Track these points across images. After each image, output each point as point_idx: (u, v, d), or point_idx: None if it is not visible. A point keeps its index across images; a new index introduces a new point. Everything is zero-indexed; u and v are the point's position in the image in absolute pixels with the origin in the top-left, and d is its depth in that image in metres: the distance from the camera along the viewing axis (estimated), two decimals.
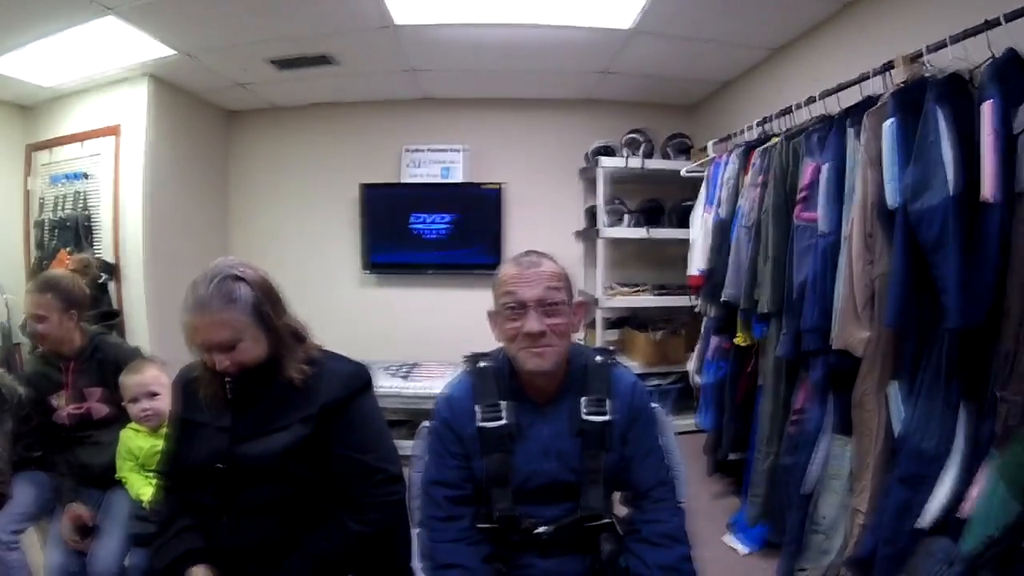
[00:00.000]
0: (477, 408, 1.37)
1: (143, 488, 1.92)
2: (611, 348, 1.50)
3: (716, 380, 3.14)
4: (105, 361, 2.15)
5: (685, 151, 4.26)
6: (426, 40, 3.55)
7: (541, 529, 1.34)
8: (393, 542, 1.49)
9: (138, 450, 1.97)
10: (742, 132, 3.16)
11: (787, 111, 2.73)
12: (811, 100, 2.53)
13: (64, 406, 2.11)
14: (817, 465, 2.21)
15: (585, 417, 1.34)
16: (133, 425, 2.01)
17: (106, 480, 2.03)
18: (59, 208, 4.19)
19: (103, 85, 4.09)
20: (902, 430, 1.85)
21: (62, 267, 3.77)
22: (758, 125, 2.99)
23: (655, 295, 4.32)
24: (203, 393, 1.44)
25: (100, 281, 3.98)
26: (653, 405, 1.48)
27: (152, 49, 3.54)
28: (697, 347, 3.44)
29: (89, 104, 4.19)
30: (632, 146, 4.23)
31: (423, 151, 4.84)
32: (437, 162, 4.83)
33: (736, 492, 3.02)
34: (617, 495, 1.48)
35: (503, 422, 1.35)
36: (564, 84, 4.43)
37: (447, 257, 4.80)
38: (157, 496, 1.60)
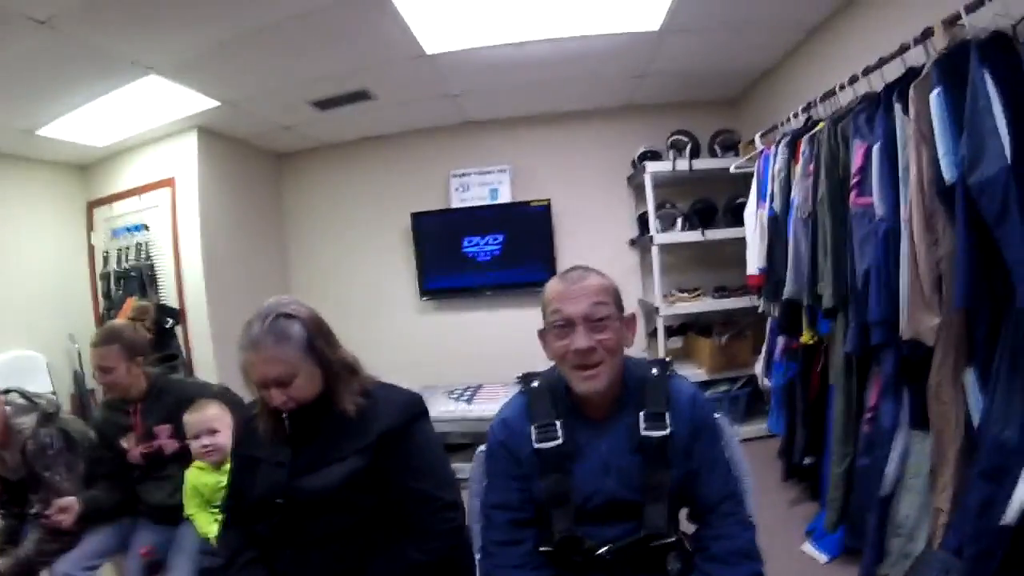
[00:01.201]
0: (532, 429, 1.35)
1: (209, 526, 1.99)
2: (668, 359, 1.45)
3: (785, 382, 3.05)
4: (172, 400, 2.24)
5: (732, 147, 4.16)
6: (459, 65, 3.61)
7: (603, 550, 1.31)
8: (456, 570, 1.50)
9: (203, 487, 2.05)
10: (787, 121, 3.08)
11: (830, 93, 2.64)
12: (854, 79, 2.44)
13: (134, 446, 2.22)
14: (895, 464, 2.11)
15: (644, 433, 1.31)
16: (198, 463, 2.08)
17: (176, 516, 2.12)
18: (123, 260, 4.44)
19: (154, 140, 4.33)
20: (981, 420, 1.75)
21: (124, 316, 4.03)
22: (803, 112, 2.91)
23: (715, 298, 4.23)
24: (262, 429, 1.49)
25: (167, 326, 4.21)
26: (716, 415, 1.43)
27: (196, 102, 3.72)
28: (763, 348, 3.35)
29: (143, 159, 4.44)
30: (677, 147, 4.17)
31: (470, 174, 4.94)
32: (484, 184, 4.92)
33: (813, 497, 2.91)
34: (684, 511, 1.44)
35: (559, 442, 1.33)
36: (601, 92, 4.43)
37: (501, 277, 4.86)
38: (222, 527, 1.65)
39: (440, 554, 1.43)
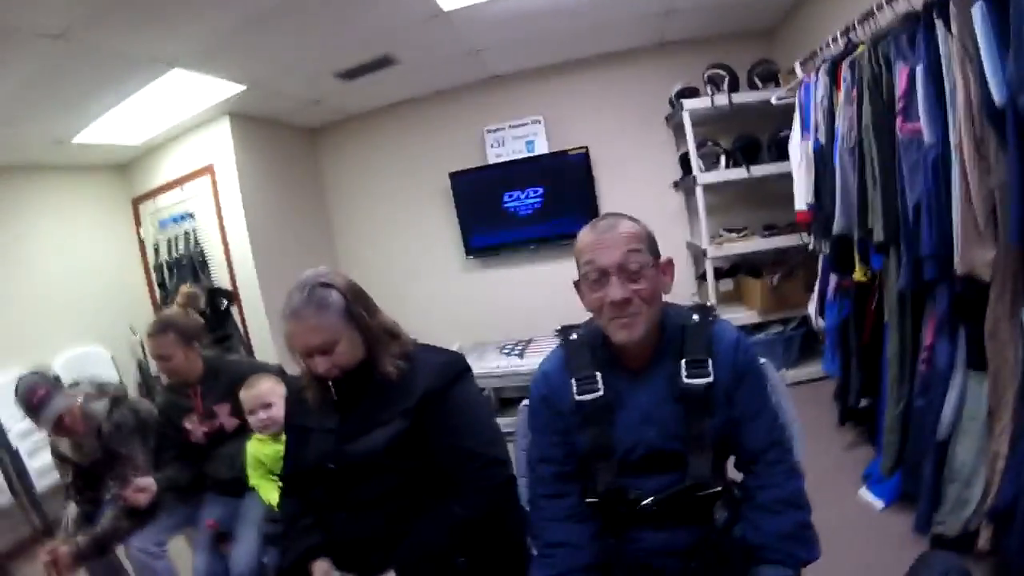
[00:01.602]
0: (573, 381, 1.34)
1: (272, 493, 2.07)
2: (710, 304, 1.41)
3: (839, 322, 2.94)
4: (228, 379, 2.33)
5: (772, 77, 3.92)
6: (478, 20, 3.52)
7: (648, 501, 1.30)
8: (505, 524, 1.52)
9: (264, 457, 2.14)
10: (827, 47, 2.87)
11: (869, 14, 2.44)
12: None
13: (197, 426, 2.34)
14: (951, 406, 2.01)
15: (686, 381, 1.27)
16: (257, 435, 2.18)
17: (240, 488, 2.23)
18: (173, 249, 4.63)
19: (189, 130, 4.43)
20: None
21: (196, 297, 4.19)
22: (842, 36, 2.70)
23: (764, 237, 4.08)
24: (310, 399, 1.56)
25: (223, 308, 4.39)
26: (761, 360, 1.39)
27: (223, 88, 3.77)
28: (816, 288, 3.23)
29: (180, 151, 4.56)
30: (715, 82, 3.98)
31: (504, 129, 4.88)
32: (519, 137, 4.86)
33: (869, 441, 2.82)
34: (732, 460, 1.40)
35: (599, 393, 1.31)
36: (629, 33, 4.25)
37: (544, 230, 4.84)
38: (281, 495, 1.73)
39: (485, 510, 1.46)
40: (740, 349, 1.31)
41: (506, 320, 4.91)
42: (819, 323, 3.18)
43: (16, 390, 2.24)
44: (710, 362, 1.28)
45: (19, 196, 4.22)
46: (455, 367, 1.53)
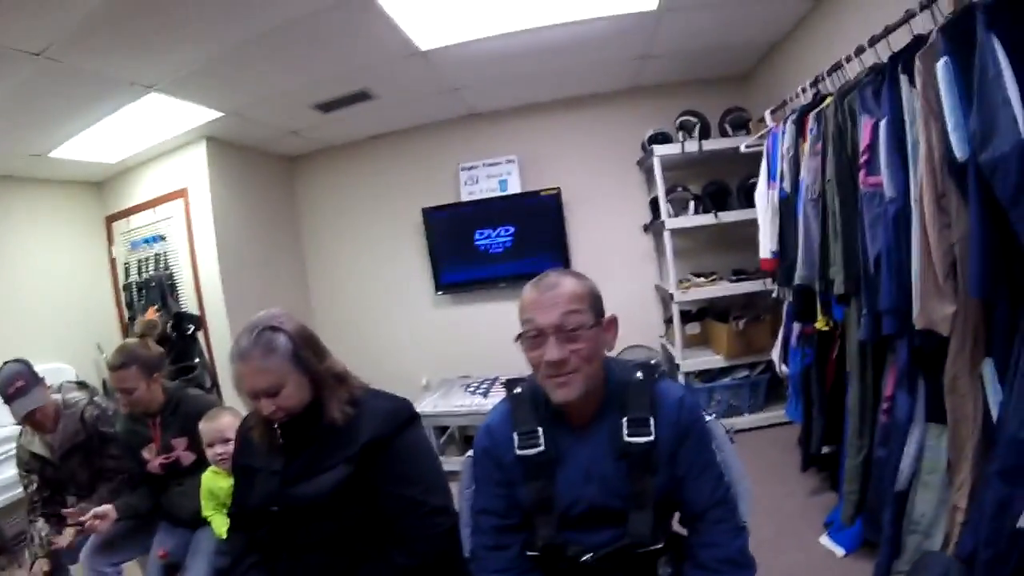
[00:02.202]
0: (515, 436, 1.32)
1: (224, 527, 1.98)
2: (654, 362, 1.37)
3: (802, 368, 2.92)
4: (188, 413, 2.27)
5: (743, 125, 3.95)
6: (456, 59, 3.51)
7: (587, 557, 1.27)
8: (447, 572, 1.49)
9: (219, 490, 2.10)
10: (796, 97, 2.90)
11: (838, 66, 2.46)
12: (860, 50, 2.25)
13: (154, 458, 2.28)
14: (910, 458, 1.97)
15: (627, 439, 1.25)
16: (213, 468, 2.13)
17: (195, 521, 2.18)
18: (143, 270, 4.51)
19: (165, 153, 4.35)
20: (999, 416, 1.61)
21: (155, 323, 4.07)
22: (811, 86, 2.73)
23: (732, 282, 4.07)
24: (257, 439, 1.54)
25: (188, 333, 4.26)
26: (708, 417, 1.37)
27: (201, 114, 3.71)
28: (779, 334, 3.20)
29: (155, 172, 4.47)
30: (686, 128, 4.00)
31: (478, 167, 4.85)
32: (493, 176, 4.84)
33: (832, 487, 2.78)
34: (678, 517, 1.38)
35: (540, 449, 1.29)
36: (605, 76, 4.28)
37: (514, 268, 4.76)
38: (228, 531, 1.72)
39: (426, 558, 1.43)
40: (684, 408, 1.29)
41: (474, 357, 4.83)
42: (782, 369, 3.16)
43: None
44: (652, 420, 1.26)
45: None
46: (401, 415, 1.51)
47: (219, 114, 3.76)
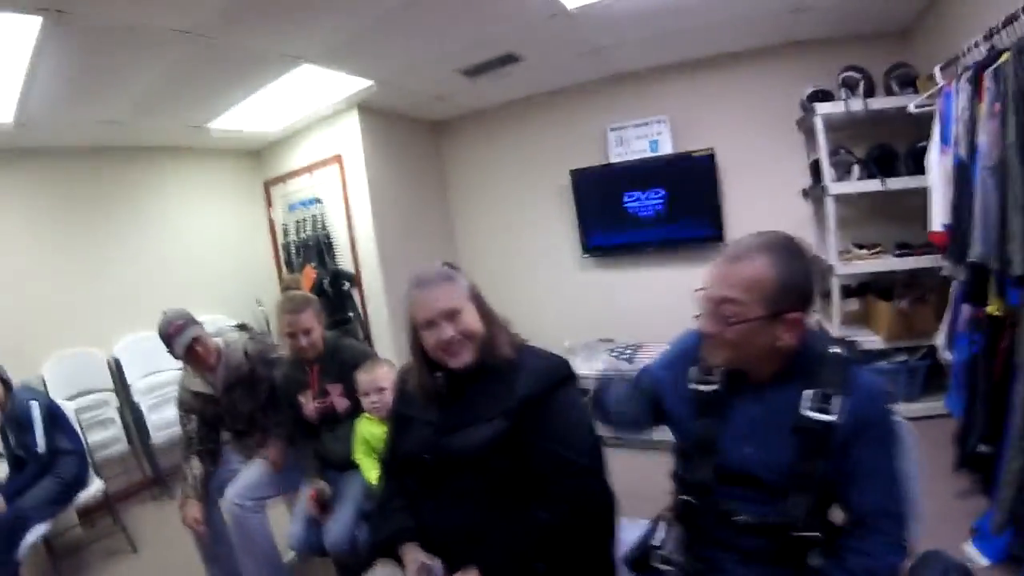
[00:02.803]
0: (693, 369, 1.35)
1: (372, 471, 2.19)
2: (854, 340, 1.28)
3: (968, 356, 2.61)
4: (344, 361, 2.43)
5: (910, 83, 3.53)
6: (602, 18, 3.44)
7: (742, 517, 1.22)
8: (592, 535, 1.50)
9: (371, 436, 2.25)
10: (967, 51, 2.55)
11: (1012, 18, 2.14)
12: None
13: (310, 402, 2.45)
14: None
15: (806, 412, 1.17)
16: (367, 415, 2.30)
17: (344, 464, 2.35)
18: (300, 231, 4.94)
19: (320, 121, 4.72)
20: None
21: (308, 280, 4.46)
22: (984, 40, 2.39)
23: (897, 256, 3.69)
24: (415, 388, 1.60)
25: (344, 288, 4.63)
26: (895, 418, 1.25)
27: (351, 83, 3.95)
28: (945, 317, 2.90)
29: (311, 140, 4.87)
30: (850, 85, 3.64)
31: (627, 127, 4.73)
32: (643, 136, 4.71)
33: (985, 491, 2.49)
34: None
35: (716, 387, 1.30)
36: (757, 30, 3.98)
37: (664, 233, 4.70)
38: (379, 476, 1.84)
39: (570, 518, 1.42)
40: (875, 398, 1.19)
41: (618, 322, 4.85)
42: (946, 356, 2.86)
43: (158, 325, 2.49)
44: (839, 400, 1.16)
45: (164, 174, 4.70)
46: (559, 372, 1.52)
47: (369, 83, 3.97)
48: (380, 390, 2.21)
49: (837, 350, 1.21)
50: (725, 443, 1.26)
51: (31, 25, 2.44)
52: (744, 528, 1.21)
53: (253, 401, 2.65)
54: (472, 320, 1.50)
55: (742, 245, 1.20)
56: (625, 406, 1.56)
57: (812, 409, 1.16)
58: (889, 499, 1.17)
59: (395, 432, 1.71)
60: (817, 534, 1.17)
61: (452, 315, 1.47)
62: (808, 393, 1.17)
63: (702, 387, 1.30)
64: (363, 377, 2.27)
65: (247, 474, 2.56)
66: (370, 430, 2.26)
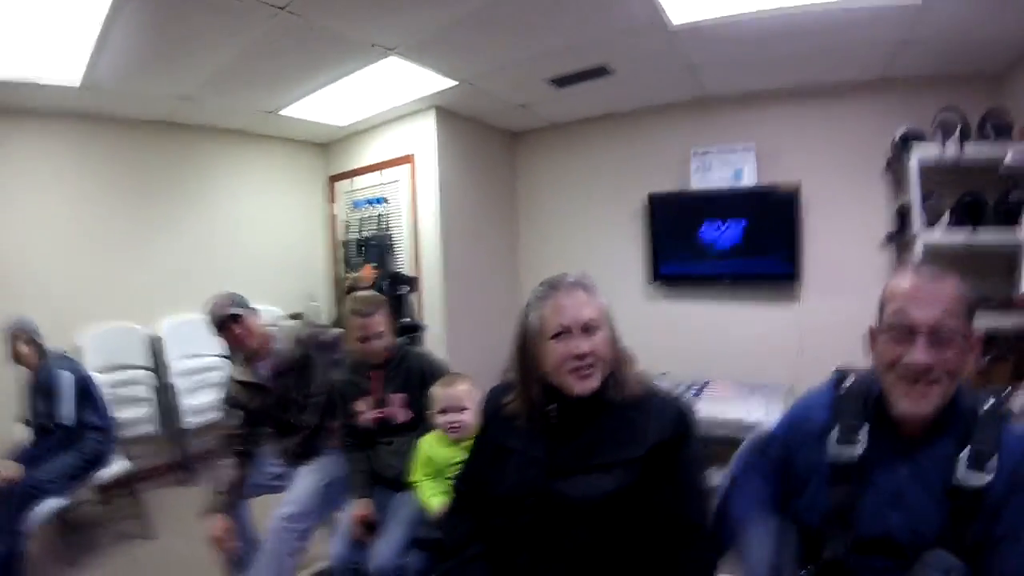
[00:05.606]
0: (836, 429, 1.25)
1: (434, 496, 2.07)
2: (1004, 390, 1.26)
3: None
4: (411, 370, 2.40)
5: (1006, 131, 3.49)
6: (703, 37, 3.47)
7: None
8: None
9: (438, 458, 2.12)
10: None
11: None
12: None
13: (369, 410, 2.39)
14: None
15: (962, 475, 1.11)
16: (435, 434, 2.17)
17: (397, 482, 2.26)
18: (362, 229, 5.09)
19: (394, 119, 4.86)
20: None
21: (367, 279, 4.55)
22: None
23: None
24: (520, 416, 1.45)
25: (402, 293, 4.68)
26: None
27: (434, 82, 4.03)
28: None
29: (383, 137, 5.02)
30: (946, 127, 3.59)
31: (711, 152, 4.70)
32: (727, 164, 4.65)
33: None
34: None
35: (861, 452, 1.21)
36: (855, 62, 3.92)
37: (740, 266, 4.61)
38: (449, 509, 1.68)
39: None
40: None
41: (684, 357, 4.77)
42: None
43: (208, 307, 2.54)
44: (996, 458, 1.11)
45: (226, 158, 4.89)
46: (689, 417, 1.40)
47: (452, 83, 4.04)
48: (461, 409, 2.09)
49: (990, 402, 1.17)
50: (865, 511, 1.18)
51: None
52: None
53: (305, 388, 2.61)
54: (605, 343, 1.38)
55: (929, 267, 1.21)
56: (768, 550, 1.28)
57: (968, 471, 1.11)
58: None
59: (482, 463, 1.54)
60: None
61: (591, 329, 1.36)
62: (966, 454, 1.12)
63: (846, 449, 1.21)
64: (441, 392, 2.13)
65: (300, 488, 2.47)
66: (438, 451, 2.13)
